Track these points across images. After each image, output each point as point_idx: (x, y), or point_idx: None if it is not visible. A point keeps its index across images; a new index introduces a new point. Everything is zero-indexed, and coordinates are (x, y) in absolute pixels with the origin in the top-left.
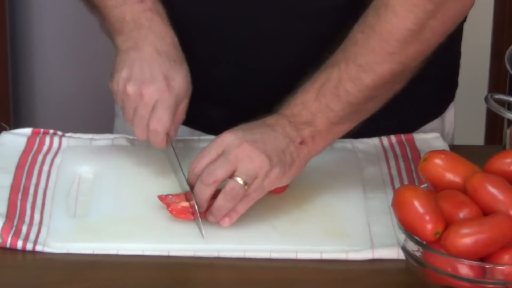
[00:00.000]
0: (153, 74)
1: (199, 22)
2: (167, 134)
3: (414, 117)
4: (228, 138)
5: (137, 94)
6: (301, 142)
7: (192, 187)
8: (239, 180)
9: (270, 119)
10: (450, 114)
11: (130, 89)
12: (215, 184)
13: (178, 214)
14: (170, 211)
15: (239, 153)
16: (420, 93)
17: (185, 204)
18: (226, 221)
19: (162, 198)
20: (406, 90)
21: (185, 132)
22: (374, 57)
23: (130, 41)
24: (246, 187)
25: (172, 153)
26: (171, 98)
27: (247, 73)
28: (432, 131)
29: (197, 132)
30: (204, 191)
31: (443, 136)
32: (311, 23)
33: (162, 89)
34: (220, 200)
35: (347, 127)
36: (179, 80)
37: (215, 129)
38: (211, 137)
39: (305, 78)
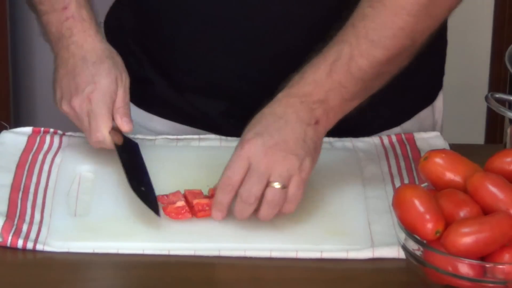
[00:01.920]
0: (76, 86)
1: (196, 12)
2: (116, 131)
3: (408, 107)
4: (250, 149)
5: (71, 109)
6: (316, 122)
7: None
8: (277, 185)
9: (279, 106)
10: (439, 102)
11: (65, 108)
12: (256, 201)
13: (175, 216)
14: (167, 214)
15: (267, 162)
16: (414, 83)
17: (180, 203)
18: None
19: (159, 198)
20: (401, 80)
21: (186, 130)
22: (385, 32)
23: (58, 54)
24: (285, 189)
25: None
26: (99, 103)
27: (246, 64)
28: (424, 119)
29: (196, 130)
30: (247, 211)
31: (433, 123)
32: (313, 11)
33: (88, 98)
34: (264, 210)
35: (356, 103)
36: (102, 79)
37: (213, 125)
38: (212, 135)
39: (312, 55)
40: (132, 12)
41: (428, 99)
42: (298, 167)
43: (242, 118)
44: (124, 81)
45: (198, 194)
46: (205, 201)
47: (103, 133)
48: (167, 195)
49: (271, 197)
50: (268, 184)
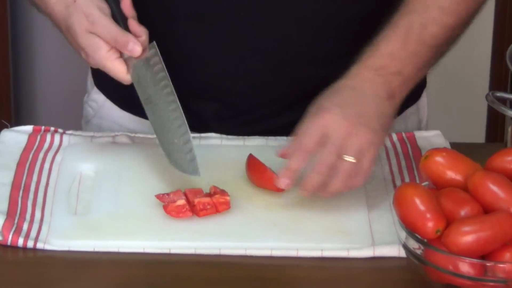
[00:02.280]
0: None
1: (186, 12)
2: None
3: None
4: (328, 118)
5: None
6: (391, 96)
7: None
8: (350, 159)
9: (356, 79)
10: (423, 100)
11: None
12: (327, 172)
13: (176, 214)
14: (168, 212)
15: (344, 134)
16: None
17: (181, 202)
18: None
19: (159, 197)
20: None
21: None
22: None
23: (71, 17)
24: (358, 162)
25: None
26: (101, 58)
27: (237, 64)
28: (409, 117)
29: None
30: (316, 181)
31: (418, 121)
32: (306, 11)
33: (93, 60)
34: (336, 183)
35: (427, 70)
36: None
37: (203, 126)
38: (213, 134)
39: (382, 27)
40: None
41: (413, 98)
42: (372, 142)
43: (232, 119)
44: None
45: (198, 192)
46: (206, 199)
47: (127, 80)
48: (167, 194)
49: (344, 171)
50: (341, 156)
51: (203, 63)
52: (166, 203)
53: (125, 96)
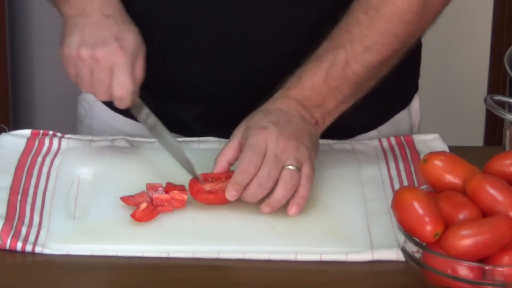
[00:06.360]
0: (104, 37)
1: (169, 17)
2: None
3: (384, 110)
4: (267, 136)
5: (92, 57)
6: (316, 123)
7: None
8: (293, 168)
9: (282, 104)
10: (415, 104)
11: (84, 52)
12: (272, 185)
13: (145, 218)
14: (138, 219)
15: (283, 149)
16: (388, 86)
17: (144, 205)
18: (294, 210)
19: (125, 199)
20: (376, 85)
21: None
22: (380, 39)
23: (77, 8)
24: (299, 172)
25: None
26: (126, 60)
27: (219, 68)
28: (400, 122)
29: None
30: (261, 193)
31: (410, 126)
32: (286, 18)
33: (116, 51)
34: (280, 191)
35: (350, 104)
36: (130, 39)
37: (186, 129)
38: (211, 138)
39: (307, 57)
40: None
41: (403, 102)
42: (308, 156)
43: (215, 122)
44: (143, 50)
45: (159, 187)
46: (164, 196)
47: (128, 89)
48: (132, 196)
49: (288, 178)
50: (283, 167)
51: (183, 68)
52: (132, 205)
53: None
